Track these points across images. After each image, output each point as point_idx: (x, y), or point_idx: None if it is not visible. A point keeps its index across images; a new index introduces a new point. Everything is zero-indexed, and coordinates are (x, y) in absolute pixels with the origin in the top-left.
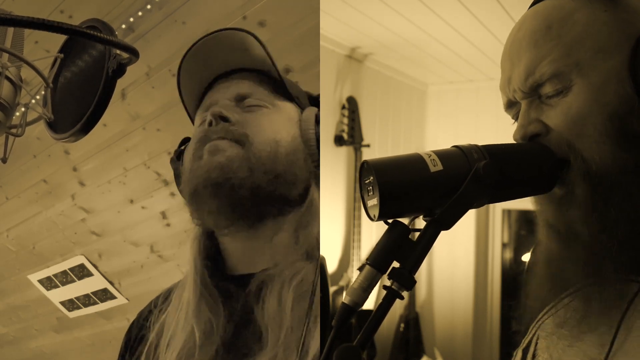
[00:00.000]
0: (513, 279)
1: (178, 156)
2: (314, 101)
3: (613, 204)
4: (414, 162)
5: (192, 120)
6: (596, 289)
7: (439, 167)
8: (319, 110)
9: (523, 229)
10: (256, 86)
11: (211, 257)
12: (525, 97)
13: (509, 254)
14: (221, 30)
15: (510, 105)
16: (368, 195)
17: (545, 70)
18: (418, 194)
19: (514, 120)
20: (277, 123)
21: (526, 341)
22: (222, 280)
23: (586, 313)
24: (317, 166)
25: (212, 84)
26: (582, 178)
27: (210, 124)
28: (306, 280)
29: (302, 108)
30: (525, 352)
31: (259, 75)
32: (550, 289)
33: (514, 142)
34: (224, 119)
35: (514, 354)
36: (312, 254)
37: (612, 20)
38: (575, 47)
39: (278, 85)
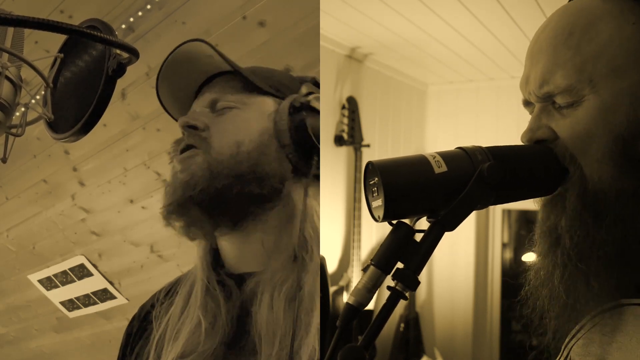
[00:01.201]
0: (513, 278)
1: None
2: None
3: (606, 225)
4: (419, 164)
5: None
6: (617, 312)
7: (444, 168)
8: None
9: (523, 229)
10: (227, 88)
11: (215, 254)
12: (539, 101)
13: (509, 254)
14: (177, 47)
15: (527, 104)
16: (373, 196)
17: (559, 83)
18: (423, 195)
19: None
20: (243, 122)
21: None
22: (223, 275)
23: (616, 335)
24: (295, 155)
25: (198, 92)
26: (577, 193)
27: (182, 133)
28: (295, 285)
29: (282, 98)
30: None
31: (230, 76)
32: (539, 290)
33: (520, 142)
34: (192, 127)
35: None
36: (300, 253)
37: (636, 36)
38: (592, 61)
39: (251, 82)
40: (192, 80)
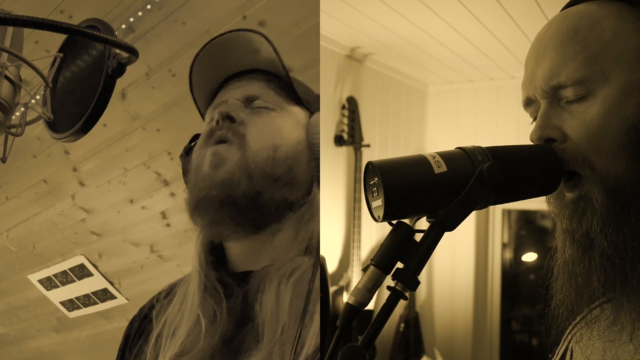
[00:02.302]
0: (513, 278)
1: (187, 152)
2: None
3: (632, 213)
4: (419, 164)
5: (203, 117)
6: (627, 297)
7: (444, 168)
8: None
9: (523, 229)
10: (266, 88)
11: (214, 252)
12: (545, 97)
13: (509, 254)
14: (233, 31)
15: (529, 103)
16: (372, 196)
17: (571, 74)
18: (422, 195)
19: (532, 120)
20: (280, 127)
21: (560, 352)
22: (224, 275)
23: (619, 320)
24: (318, 167)
25: (224, 83)
26: (602, 190)
27: (217, 122)
28: (305, 276)
29: (311, 112)
30: None
31: (269, 76)
32: (576, 297)
33: (520, 142)
34: (230, 118)
35: None
36: (312, 248)
37: (637, 34)
38: (601, 55)
39: (288, 88)
40: (228, 68)
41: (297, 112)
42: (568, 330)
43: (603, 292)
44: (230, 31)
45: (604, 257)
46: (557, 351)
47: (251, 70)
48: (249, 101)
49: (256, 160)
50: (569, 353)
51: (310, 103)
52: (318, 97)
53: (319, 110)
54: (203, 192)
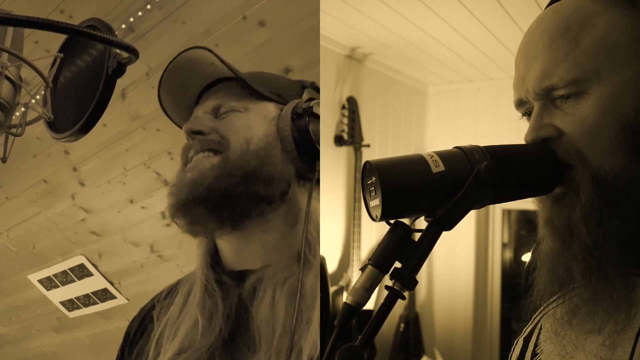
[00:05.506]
0: (513, 278)
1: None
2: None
3: (619, 212)
4: (416, 163)
5: None
6: (602, 286)
7: (441, 168)
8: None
9: (523, 229)
10: (227, 94)
11: (213, 253)
12: (538, 99)
13: (509, 254)
14: (183, 52)
15: (521, 104)
16: (370, 195)
17: (564, 75)
18: (420, 195)
19: (521, 116)
20: (248, 123)
21: (528, 330)
22: (222, 274)
23: (593, 309)
24: (299, 160)
25: (199, 98)
26: (590, 182)
27: (187, 139)
28: (297, 283)
29: (283, 104)
30: (526, 340)
31: (232, 82)
32: (558, 289)
33: (524, 142)
34: (197, 132)
35: (515, 342)
36: (303, 253)
37: (631, 27)
38: (593, 53)
39: (251, 88)
40: (194, 87)
41: (264, 108)
42: (539, 310)
43: (583, 283)
44: (178, 54)
45: (582, 248)
46: (524, 329)
47: (217, 81)
48: (215, 111)
49: (231, 157)
50: (537, 330)
51: (281, 95)
52: (297, 83)
53: (296, 98)
54: (175, 197)
